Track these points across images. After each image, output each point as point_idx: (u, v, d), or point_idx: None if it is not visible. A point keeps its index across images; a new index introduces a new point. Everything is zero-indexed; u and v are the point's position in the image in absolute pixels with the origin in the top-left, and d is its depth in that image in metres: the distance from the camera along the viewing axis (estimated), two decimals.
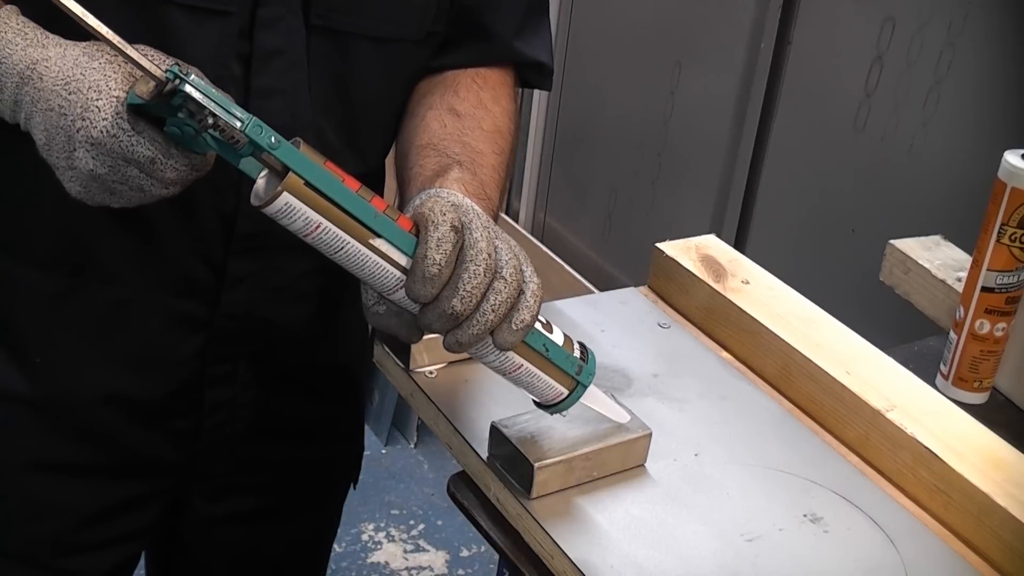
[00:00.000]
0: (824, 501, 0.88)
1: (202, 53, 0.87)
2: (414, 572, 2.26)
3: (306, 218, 0.73)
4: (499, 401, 0.91)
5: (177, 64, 0.72)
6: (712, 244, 1.15)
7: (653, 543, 0.82)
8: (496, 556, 0.90)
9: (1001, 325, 1.06)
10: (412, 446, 2.57)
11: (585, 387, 0.82)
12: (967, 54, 1.56)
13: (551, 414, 0.83)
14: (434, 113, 0.98)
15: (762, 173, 1.93)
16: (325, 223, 0.73)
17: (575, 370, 0.81)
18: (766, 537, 0.84)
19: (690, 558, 0.81)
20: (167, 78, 0.71)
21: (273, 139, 0.72)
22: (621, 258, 2.30)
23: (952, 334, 1.09)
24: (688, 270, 1.10)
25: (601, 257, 2.34)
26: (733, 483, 0.89)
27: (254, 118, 0.73)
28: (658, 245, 1.13)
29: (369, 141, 1.00)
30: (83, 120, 0.75)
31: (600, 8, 2.24)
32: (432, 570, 2.26)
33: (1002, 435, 0.92)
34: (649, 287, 1.15)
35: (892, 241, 1.23)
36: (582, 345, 0.83)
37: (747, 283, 1.09)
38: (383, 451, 2.54)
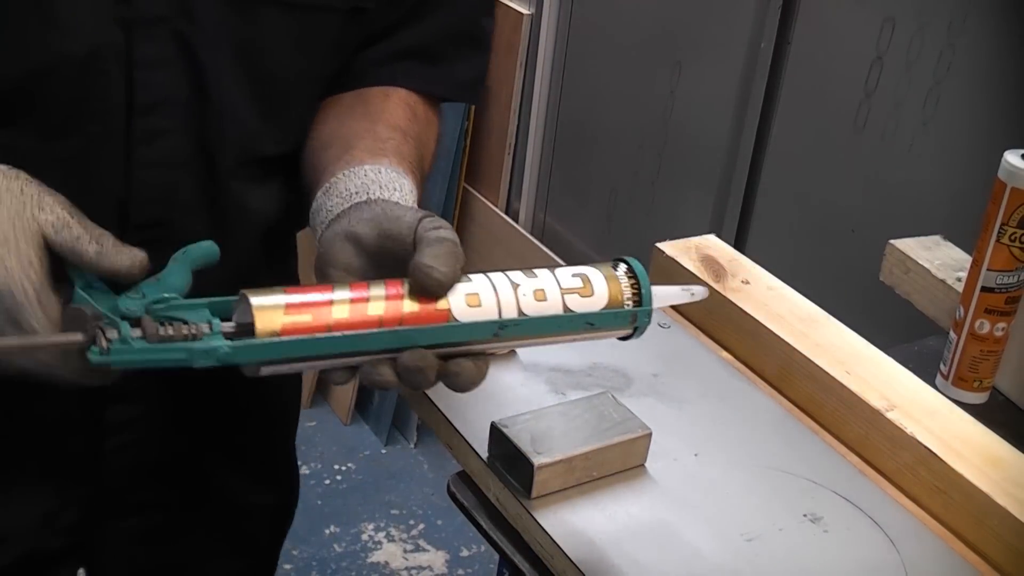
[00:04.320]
0: (824, 501, 0.88)
1: (76, 15, 0.81)
2: (414, 572, 2.25)
3: (297, 367, 0.70)
4: (499, 401, 0.91)
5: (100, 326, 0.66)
6: (712, 244, 1.15)
7: (653, 543, 0.82)
8: (496, 556, 0.90)
9: (1001, 325, 1.06)
10: (412, 446, 2.57)
11: (648, 324, 0.76)
12: (967, 54, 1.56)
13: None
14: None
15: (762, 173, 1.93)
16: (319, 363, 0.70)
17: (630, 321, 0.75)
18: (766, 537, 0.84)
19: (690, 558, 0.81)
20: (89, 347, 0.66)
21: (226, 347, 0.67)
22: None
23: (952, 334, 1.09)
24: (688, 270, 1.10)
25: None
26: (733, 483, 0.89)
27: (195, 347, 0.67)
28: (658, 245, 1.13)
29: (289, 119, 0.95)
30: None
31: (600, 8, 2.24)
32: (432, 570, 2.26)
33: (1002, 435, 0.92)
34: None
35: (892, 241, 1.23)
36: (631, 273, 0.76)
37: (747, 283, 1.09)
38: (383, 451, 2.54)
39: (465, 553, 2.31)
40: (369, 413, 2.61)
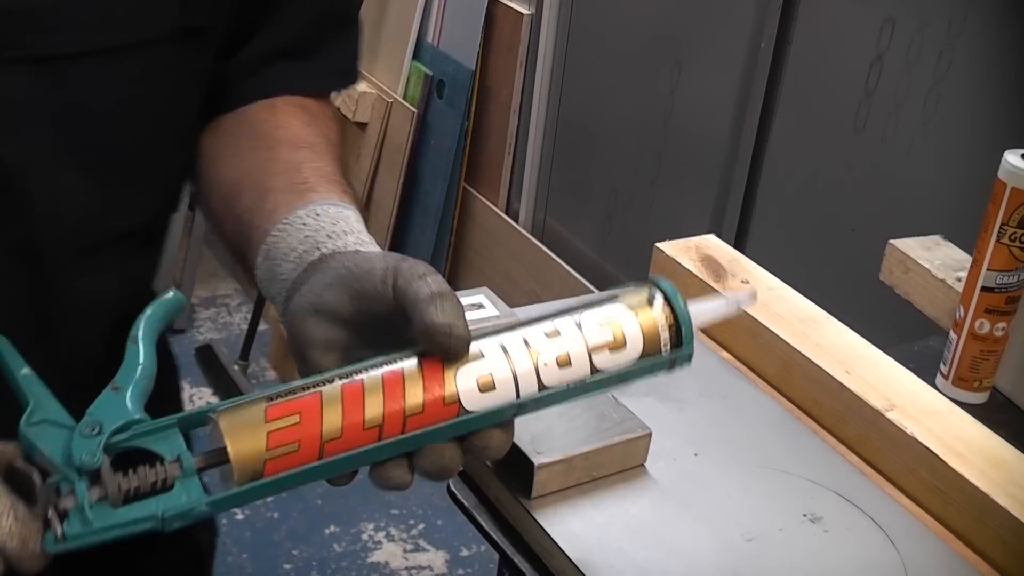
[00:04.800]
0: (824, 501, 0.88)
1: None
2: (414, 572, 2.26)
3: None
4: None
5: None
6: (712, 244, 1.15)
7: (653, 543, 0.82)
8: (496, 556, 0.89)
9: (1001, 325, 1.06)
10: None
11: (689, 360, 0.66)
12: (967, 54, 1.56)
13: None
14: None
15: (762, 173, 1.93)
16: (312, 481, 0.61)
17: (669, 365, 0.65)
18: (766, 537, 0.84)
19: (690, 558, 0.81)
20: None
21: (203, 505, 0.57)
22: (621, 258, 2.30)
23: (952, 334, 1.09)
24: (688, 270, 1.10)
25: (601, 257, 2.34)
26: (733, 483, 0.89)
27: (167, 512, 0.57)
28: (658, 245, 1.13)
29: (141, 183, 0.80)
30: None
31: (600, 8, 2.24)
32: (432, 570, 2.26)
33: (1002, 435, 0.92)
34: None
35: (892, 241, 1.23)
36: (670, 308, 0.65)
37: (747, 283, 1.09)
38: None
39: (465, 553, 2.31)
40: None
